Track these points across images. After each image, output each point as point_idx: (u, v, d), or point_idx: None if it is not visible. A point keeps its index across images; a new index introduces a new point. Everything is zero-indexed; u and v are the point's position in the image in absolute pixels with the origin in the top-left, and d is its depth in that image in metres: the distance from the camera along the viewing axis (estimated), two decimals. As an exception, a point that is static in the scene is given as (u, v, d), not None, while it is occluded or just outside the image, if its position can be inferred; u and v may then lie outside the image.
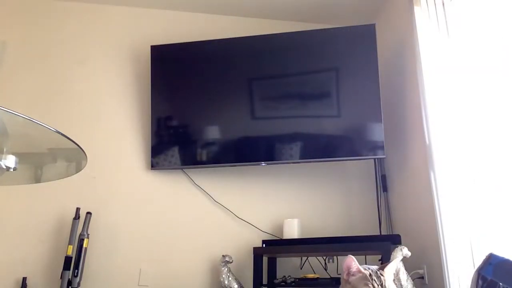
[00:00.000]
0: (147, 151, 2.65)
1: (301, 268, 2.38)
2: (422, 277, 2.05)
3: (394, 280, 1.78)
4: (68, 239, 2.29)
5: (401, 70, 2.47)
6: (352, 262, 1.11)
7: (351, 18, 2.86)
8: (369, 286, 1.05)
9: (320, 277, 2.22)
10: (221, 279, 2.24)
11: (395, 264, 1.13)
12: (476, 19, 1.86)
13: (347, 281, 1.11)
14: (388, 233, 2.45)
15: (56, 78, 2.76)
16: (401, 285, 1.80)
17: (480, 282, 0.94)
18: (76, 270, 2.21)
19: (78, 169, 1.52)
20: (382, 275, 1.08)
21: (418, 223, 2.19)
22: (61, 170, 1.56)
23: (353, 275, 1.10)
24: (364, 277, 1.08)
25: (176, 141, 2.58)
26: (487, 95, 1.74)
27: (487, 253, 1.02)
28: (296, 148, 2.44)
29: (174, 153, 2.56)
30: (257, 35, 2.60)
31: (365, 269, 1.10)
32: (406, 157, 2.38)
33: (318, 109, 2.47)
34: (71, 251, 2.25)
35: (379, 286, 1.06)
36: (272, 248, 2.33)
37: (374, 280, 1.06)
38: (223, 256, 2.28)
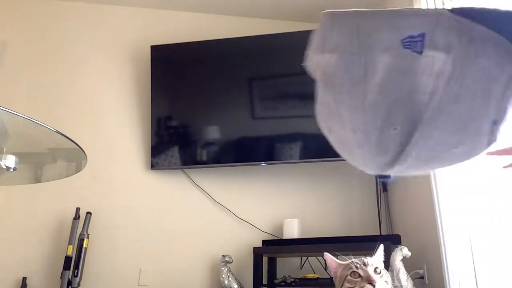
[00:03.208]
0: (147, 151, 2.65)
1: (301, 268, 2.38)
2: (422, 277, 2.05)
3: (394, 280, 1.78)
4: (68, 239, 2.29)
5: (401, 70, 2.47)
6: (329, 259, 1.20)
7: (351, 18, 2.86)
8: (352, 268, 1.12)
9: (320, 277, 2.22)
10: (221, 279, 2.24)
11: (380, 252, 1.20)
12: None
13: (336, 277, 1.19)
14: (388, 233, 2.45)
15: (56, 78, 2.76)
16: (401, 285, 1.80)
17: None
18: (76, 270, 2.21)
19: (78, 169, 1.53)
20: (365, 258, 1.14)
21: (418, 223, 2.19)
22: (61, 170, 1.56)
23: (338, 269, 1.19)
24: (346, 265, 1.16)
25: (176, 141, 2.58)
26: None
27: None
28: (296, 148, 2.44)
29: (174, 153, 2.56)
30: (257, 35, 2.60)
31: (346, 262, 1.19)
32: (406, 157, 2.38)
33: (318, 109, 2.47)
34: (71, 251, 2.25)
35: (362, 264, 1.12)
36: (272, 248, 2.33)
37: (357, 262, 1.15)
38: (223, 256, 2.28)
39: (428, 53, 0.57)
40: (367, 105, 0.60)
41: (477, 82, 0.57)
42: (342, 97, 0.63)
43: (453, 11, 0.58)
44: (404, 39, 0.57)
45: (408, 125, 0.58)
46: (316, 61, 0.67)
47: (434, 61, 0.57)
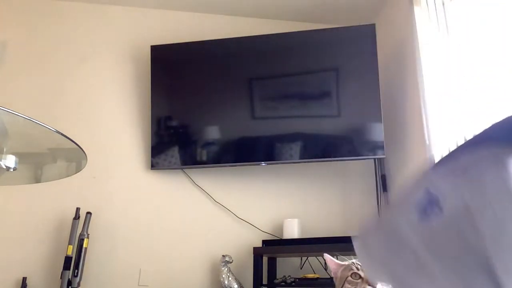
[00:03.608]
0: (147, 151, 2.64)
1: (301, 268, 2.38)
2: (422, 277, 2.05)
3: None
4: (68, 239, 2.29)
5: (401, 70, 2.47)
6: (328, 259, 1.21)
7: (351, 18, 2.86)
8: (353, 269, 1.13)
9: (320, 277, 2.22)
10: (221, 279, 2.24)
11: None
12: (476, 18, 1.86)
13: (336, 277, 1.19)
14: (388, 233, 2.44)
15: (56, 78, 2.76)
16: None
17: None
18: (76, 270, 2.21)
19: (78, 169, 1.52)
20: None
21: (418, 223, 2.18)
22: (61, 170, 1.56)
23: (338, 269, 1.19)
24: (347, 266, 1.17)
25: (176, 141, 2.58)
26: (487, 95, 1.74)
27: None
28: (296, 148, 2.44)
29: (174, 153, 2.56)
30: (257, 35, 2.60)
31: (345, 262, 1.19)
32: (406, 157, 2.38)
33: (318, 109, 2.47)
34: (71, 251, 2.25)
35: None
36: (272, 248, 2.33)
37: (358, 263, 1.14)
38: (223, 256, 2.28)
39: (444, 205, 0.58)
40: (437, 275, 0.60)
41: (500, 192, 0.57)
42: (418, 282, 0.63)
43: (433, 167, 0.62)
44: (418, 210, 0.59)
45: (482, 268, 0.57)
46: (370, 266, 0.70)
47: (455, 207, 0.57)
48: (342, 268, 1.17)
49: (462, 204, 0.56)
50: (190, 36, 2.75)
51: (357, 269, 1.12)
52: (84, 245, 2.27)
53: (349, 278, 1.11)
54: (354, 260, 1.16)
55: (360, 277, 1.10)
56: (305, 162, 2.48)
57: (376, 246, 0.66)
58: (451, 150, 0.63)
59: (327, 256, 1.21)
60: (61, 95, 2.73)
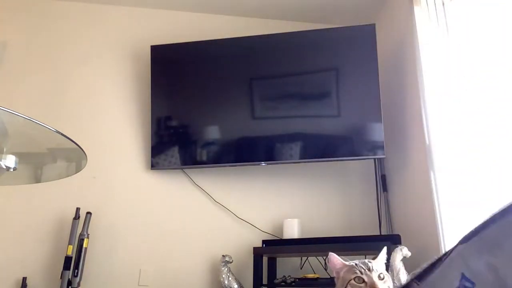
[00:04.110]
0: (147, 151, 2.65)
1: (301, 268, 2.38)
2: (422, 277, 2.05)
3: (394, 280, 1.78)
4: (68, 239, 2.29)
5: (401, 70, 2.47)
6: (335, 259, 1.18)
7: (351, 18, 2.87)
8: (357, 272, 1.11)
9: (320, 277, 2.22)
10: (221, 279, 2.24)
11: (383, 256, 1.19)
12: (476, 18, 1.86)
13: (338, 277, 1.18)
14: (388, 233, 2.45)
15: (56, 78, 2.76)
16: (401, 285, 1.79)
17: None
18: (76, 270, 2.21)
19: (78, 169, 1.52)
20: (369, 261, 1.13)
21: (418, 223, 2.19)
22: (61, 170, 1.56)
23: (341, 269, 1.17)
24: (350, 268, 1.14)
25: (176, 141, 2.58)
26: (487, 95, 1.74)
27: None
28: (296, 148, 2.44)
29: (174, 153, 2.56)
30: (257, 35, 2.60)
31: (349, 262, 1.17)
32: (406, 157, 2.38)
33: (318, 109, 2.47)
34: (71, 251, 2.25)
35: (367, 269, 1.11)
36: (272, 248, 2.33)
37: (361, 266, 1.12)
38: (223, 256, 2.28)
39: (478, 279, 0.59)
40: None
41: None
42: None
43: (461, 241, 0.65)
44: None
45: None
46: None
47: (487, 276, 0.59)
48: (345, 268, 1.15)
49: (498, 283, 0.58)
50: (190, 36, 2.75)
51: (361, 272, 1.10)
52: (84, 245, 2.27)
53: (352, 281, 1.09)
54: (357, 262, 1.15)
55: (364, 281, 1.09)
56: (305, 162, 2.48)
57: None
58: (477, 225, 0.64)
59: (333, 254, 1.19)
60: (61, 95, 2.73)
